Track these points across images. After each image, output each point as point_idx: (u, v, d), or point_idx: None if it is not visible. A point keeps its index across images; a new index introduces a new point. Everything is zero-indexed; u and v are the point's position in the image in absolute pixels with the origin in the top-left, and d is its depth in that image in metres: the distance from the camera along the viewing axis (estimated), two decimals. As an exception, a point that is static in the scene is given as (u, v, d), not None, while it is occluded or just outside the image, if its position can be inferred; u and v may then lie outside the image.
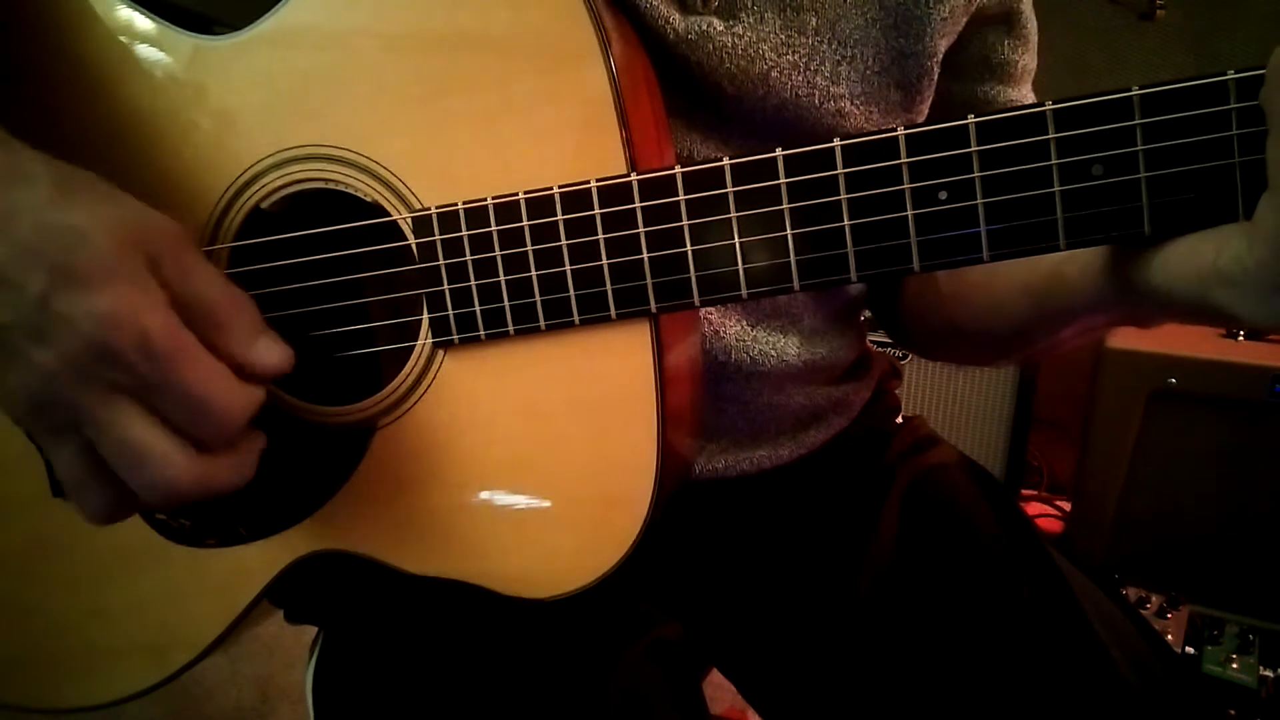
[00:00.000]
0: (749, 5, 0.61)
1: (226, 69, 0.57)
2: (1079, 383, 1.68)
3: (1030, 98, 0.77)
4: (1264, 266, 0.40)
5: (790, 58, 0.62)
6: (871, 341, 0.90)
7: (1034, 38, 0.76)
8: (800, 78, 0.63)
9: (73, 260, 0.43)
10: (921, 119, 0.71)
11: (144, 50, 0.58)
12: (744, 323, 0.69)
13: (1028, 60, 0.76)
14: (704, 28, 0.60)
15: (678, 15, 0.60)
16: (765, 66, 0.62)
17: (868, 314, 0.88)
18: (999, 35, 0.73)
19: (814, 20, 0.63)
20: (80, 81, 0.59)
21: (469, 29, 0.53)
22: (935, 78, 0.69)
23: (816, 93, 0.64)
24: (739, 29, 0.61)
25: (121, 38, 0.58)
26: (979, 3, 0.69)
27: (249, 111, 0.57)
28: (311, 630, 0.73)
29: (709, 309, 0.67)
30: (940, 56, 0.68)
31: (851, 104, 0.66)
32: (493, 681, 0.57)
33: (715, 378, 0.69)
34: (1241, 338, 1.57)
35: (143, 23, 0.58)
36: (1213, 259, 0.42)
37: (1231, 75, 0.40)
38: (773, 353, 0.70)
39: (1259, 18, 1.75)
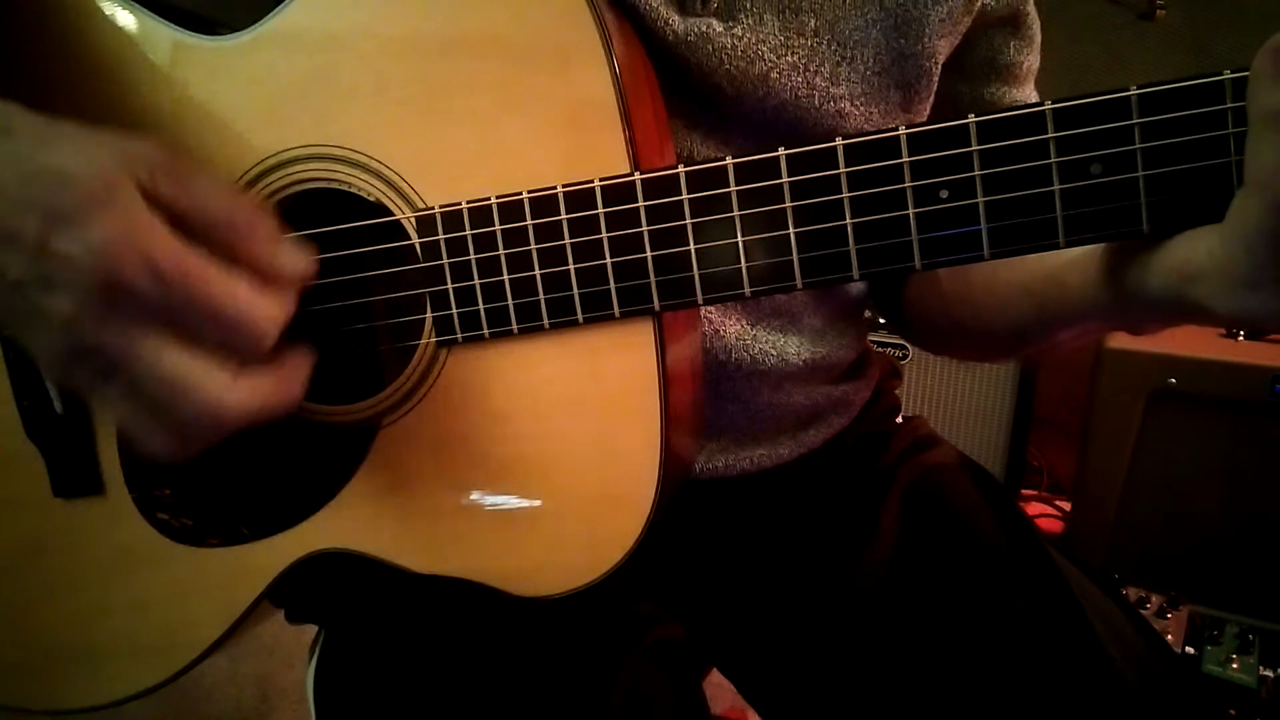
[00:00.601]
0: (748, 7, 0.61)
1: (229, 69, 0.57)
2: (1079, 383, 1.68)
3: (1034, 97, 0.78)
4: (1235, 262, 0.40)
5: (789, 59, 0.62)
6: (871, 342, 0.91)
7: (1038, 37, 0.76)
8: (800, 79, 0.63)
9: (61, 199, 0.42)
10: (922, 119, 0.71)
11: (146, 50, 0.58)
12: (744, 322, 0.69)
13: (1032, 60, 0.76)
14: (703, 29, 0.60)
15: (677, 17, 0.60)
16: (765, 68, 0.62)
17: (868, 314, 0.88)
18: (1005, 37, 0.74)
19: (813, 21, 0.63)
20: (82, 81, 0.59)
21: (472, 29, 0.53)
22: (935, 78, 0.70)
23: (816, 94, 0.64)
24: (738, 30, 0.61)
25: (124, 38, 0.58)
26: (981, 4, 0.70)
27: (251, 112, 0.57)
28: (312, 630, 0.73)
29: (709, 308, 0.67)
30: (940, 57, 0.69)
31: (851, 104, 0.66)
32: (495, 681, 0.57)
33: (715, 376, 0.69)
34: (1241, 338, 1.57)
35: (145, 23, 0.58)
36: (1186, 255, 0.43)
37: (1227, 75, 0.40)
38: (773, 352, 0.71)
39: (1259, 18, 1.75)
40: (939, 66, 0.69)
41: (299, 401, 0.48)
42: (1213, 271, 0.42)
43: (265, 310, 0.46)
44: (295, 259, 0.48)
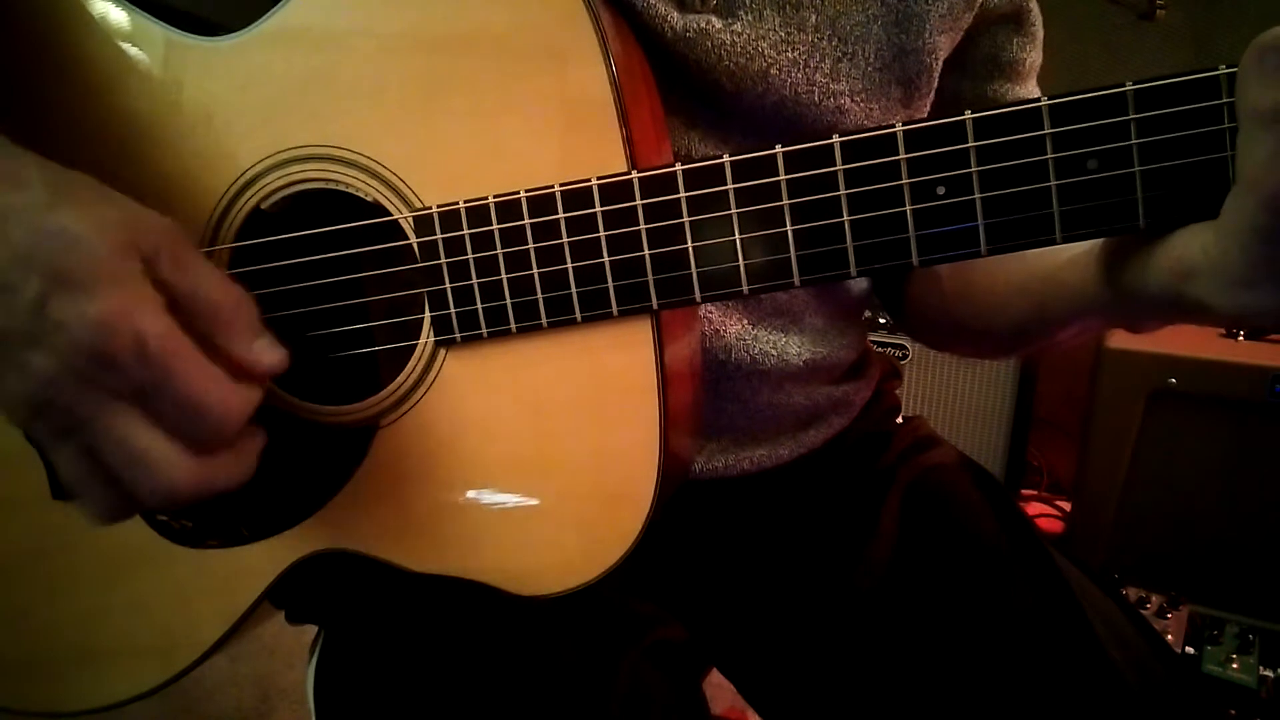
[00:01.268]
0: (747, 3, 0.61)
1: (226, 69, 0.57)
2: (1079, 383, 1.68)
3: (1037, 93, 0.77)
4: (1230, 259, 0.41)
5: (789, 55, 0.62)
6: (871, 342, 0.91)
7: (1040, 34, 0.76)
8: (799, 75, 0.63)
9: (67, 264, 0.43)
10: (922, 116, 0.71)
11: (142, 51, 0.58)
12: (744, 322, 0.69)
13: (1035, 57, 0.76)
14: (702, 25, 0.60)
15: (675, 13, 0.60)
16: (764, 64, 0.62)
17: (867, 314, 0.88)
18: (1008, 34, 0.74)
19: (813, 17, 0.63)
20: (79, 83, 0.59)
21: (469, 28, 0.53)
22: (936, 75, 0.69)
23: (816, 90, 0.64)
24: (737, 26, 0.61)
25: (120, 39, 0.58)
26: (982, 1, 0.70)
27: (249, 112, 0.57)
28: (311, 630, 0.73)
29: (709, 308, 0.67)
30: (941, 54, 0.69)
31: (851, 101, 0.66)
32: (495, 681, 0.57)
33: (715, 376, 0.69)
34: (1241, 338, 1.57)
35: (142, 24, 0.58)
36: (1182, 254, 0.43)
37: (1222, 70, 0.40)
38: (773, 352, 0.70)
39: (1259, 18, 1.74)
40: (939, 63, 0.69)
41: (249, 478, 0.50)
42: (1208, 270, 0.42)
43: (235, 404, 0.47)
44: (270, 354, 0.49)
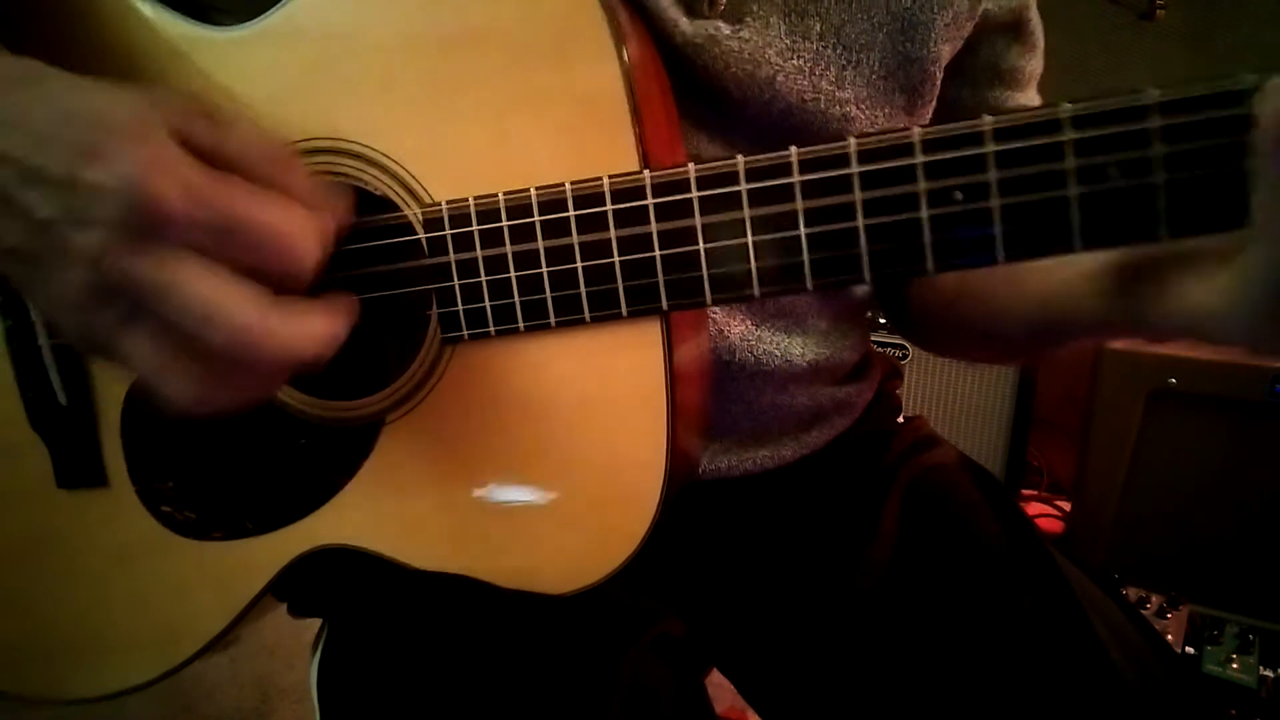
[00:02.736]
0: (755, 10, 0.61)
1: (235, 61, 0.57)
2: (1079, 383, 1.68)
3: (1036, 100, 0.78)
4: (1243, 303, 0.41)
5: (795, 62, 0.63)
6: (872, 342, 0.91)
7: (1041, 42, 0.76)
8: (806, 82, 0.63)
9: (93, 136, 0.41)
10: (924, 124, 0.71)
11: (152, 41, 0.58)
12: (749, 323, 0.69)
13: (1035, 65, 0.76)
14: (710, 31, 0.60)
15: (684, 19, 0.60)
16: (771, 71, 0.62)
17: (869, 314, 0.88)
18: (1007, 42, 0.74)
19: (818, 25, 0.63)
20: (86, 71, 0.58)
21: (480, 23, 0.53)
22: (938, 82, 0.70)
23: (822, 97, 0.64)
24: (745, 33, 0.61)
25: (129, 27, 0.58)
26: (984, 10, 0.70)
27: (257, 104, 0.57)
28: (313, 629, 0.73)
29: (714, 309, 0.67)
30: (943, 61, 0.69)
31: (857, 108, 0.66)
32: (498, 676, 0.57)
33: (719, 377, 0.69)
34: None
35: (151, 13, 0.58)
36: (1200, 299, 0.44)
37: (1251, 80, 0.39)
38: (777, 353, 0.71)
39: (1259, 18, 1.75)
40: (941, 70, 0.69)
41: (338, 344, 0.46)
42: (1222, 310, 0.42)
43: (305, 225, 0.44)
44: (331, 197, 0.47)
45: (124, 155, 0.40)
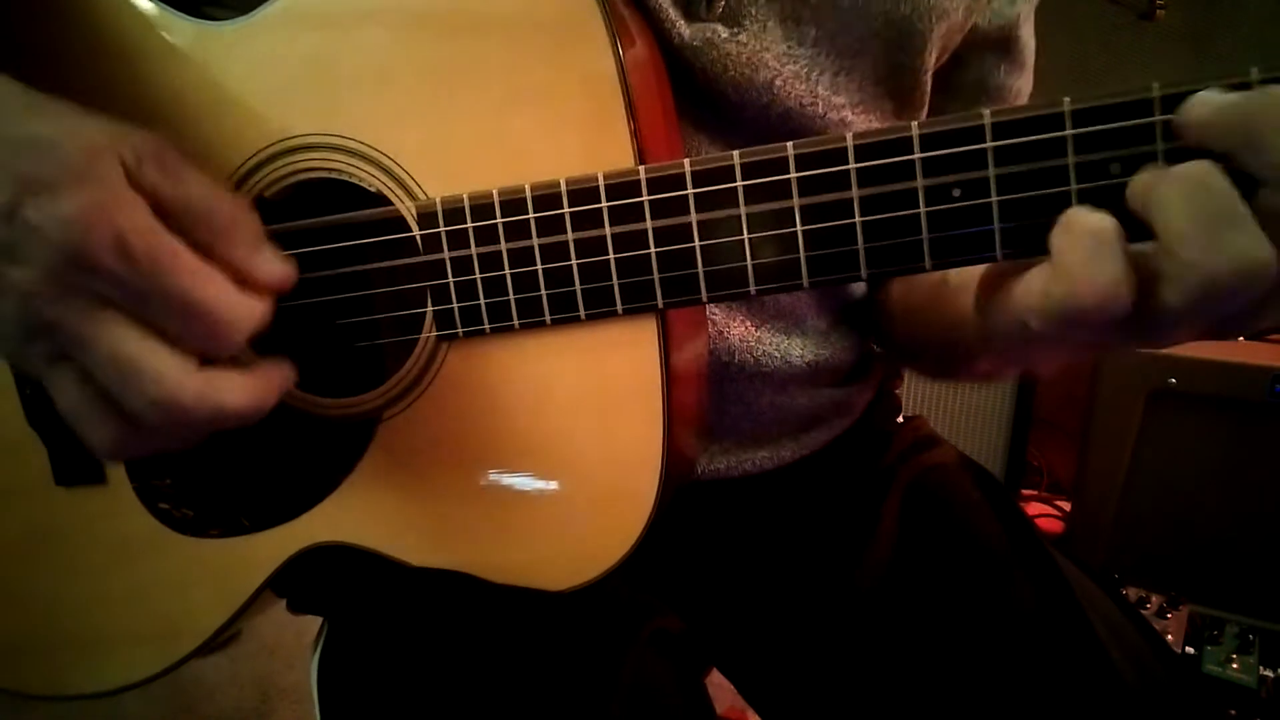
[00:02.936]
0: (753, 14, 0.61)
1: (230, 55, 0.57)
2: (1079, 383, 1.68)
3: None
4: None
5: (792, 67, 0.63)
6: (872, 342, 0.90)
7: (1030, 60, 0.76)
8: (803, 87, 0.63)
9: (40, 169, 0.40)
10: None
11: (147, 35, 0.58)
12: (748, 324, 0.69)
13: (1023, 84, 0.77)
14: (708, 35, 0.60)
15: (683, 21, 0.60)
16: (769, 75, 0.62)
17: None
18: (996, 60, 0.74)
19: (814, 31, 0.63)
20: (82, 67, 0.58)
21: (477, 18, 0.52)
22: (928, 91, 0.70)
23: (820, 102, 0.64)
24: (743, 37, 0.61)
25: (124, 22, 0.58)
26: (974, 24, 0.70)
27: (252, 99, 0.57)
28: (312, 629, 0.73)
29: (713, 310, 0.67)
30: (931, 69, 0.69)
31: (853, 114, 0.66)
32: (498, 673, 0.57)
33: (718, 378, 0.69)
34: (1241, 338, 1.57)
35: (145, 6, 0.57)
36: (1025, 288, 0.43)
37: (1255, 75, 0.39)
38: (776, 354, 0.70)
39: (1259, 18, 1.75)
40: (930, 77, 0.69)
41: (265, 411, 0.46)
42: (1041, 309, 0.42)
43: (237, 308, 0.44)
44: (275, 266, 0.46)
45: (67, 197, 0.40)
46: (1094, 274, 0.38)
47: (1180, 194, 0.38)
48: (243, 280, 0.45)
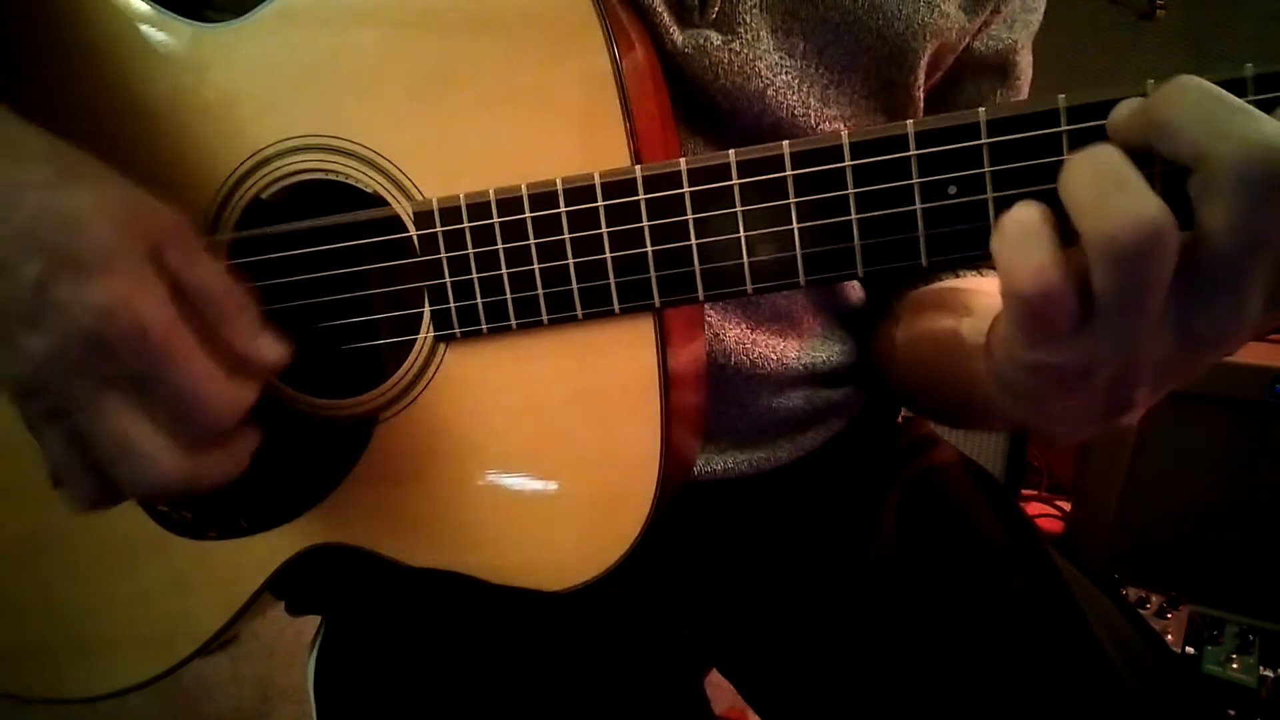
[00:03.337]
0: (746, 21, 0.61)
1: (226, 56, 0.57)
2: (1079, 383, 1.67)
3: None
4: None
5: (784, 77, 0.62)
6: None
7: (1027, 83, 0.76)
8: (795, 97, 0.63)
9: (72, 247, 0.42)
10: None
11: (143, 37, 0.58)
12: (744, 325, 0.69)
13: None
14: (700, 41, 0.60)
15: (676, 27, 0.60)
16: (761, 84, 0.62)
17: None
18: (993, 84, 0.73)
19: (802, 44, 0.63)
20: (79, 70, 0.58)
21: (473, 18, 0.52)
22: (921, 107, 0.70)
23: (812, 113, 0.64)
24: (736, 45, 0.61)
25: (121, 25, 0.58)
26: (970, 48, 0.70)
27: (249, 100, 0.57)
28: (311, 629, 0.73)
29: (709, 312, 0.67)
30: (923, 87, 0.69)
31: (845, 127, 0.66)
32: (496, 673, 0.57)
33: (715, 380, 0.69)
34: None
35: (141, 9, 0.58)
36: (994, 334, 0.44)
37: (1250, 72, 0.39)
38: (773, 356, 0.70)
39: (1259, 18, 1.75)
40: (922, 94, 0.69)
41: (236, 477, 0.49)
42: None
43: (231, 401, 0.47)
44: (272, 350, 0.49)
45: (97, 283, 0.42)
46: (1022, 262, 0.38)
47: (1073, 168, 0.38)
48: (237, 365, 0.47)
